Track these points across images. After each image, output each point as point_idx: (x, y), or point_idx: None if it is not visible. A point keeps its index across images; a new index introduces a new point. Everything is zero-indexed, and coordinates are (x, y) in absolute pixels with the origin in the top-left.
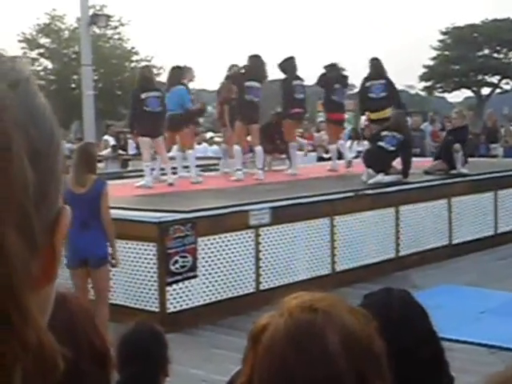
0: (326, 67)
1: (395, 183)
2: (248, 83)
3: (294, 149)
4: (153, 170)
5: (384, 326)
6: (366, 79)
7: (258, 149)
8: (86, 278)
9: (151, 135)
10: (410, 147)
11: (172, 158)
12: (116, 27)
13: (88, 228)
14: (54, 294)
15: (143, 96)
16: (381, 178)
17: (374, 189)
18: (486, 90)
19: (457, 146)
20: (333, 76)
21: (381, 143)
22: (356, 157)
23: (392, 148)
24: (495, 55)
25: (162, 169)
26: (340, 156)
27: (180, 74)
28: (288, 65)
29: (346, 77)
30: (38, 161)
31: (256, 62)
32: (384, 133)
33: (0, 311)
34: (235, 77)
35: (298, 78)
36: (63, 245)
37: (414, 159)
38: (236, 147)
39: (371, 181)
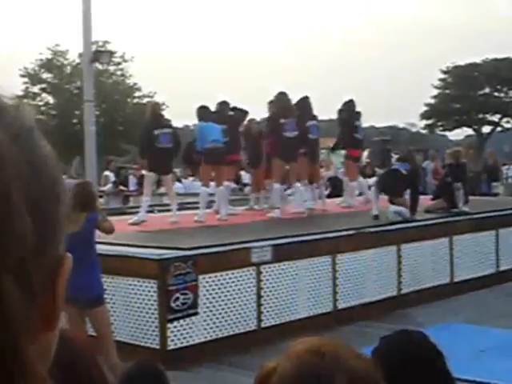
0: (345, 104)
1: (399, 221)
2: (283, 120)
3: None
4: (150, 206)
5: (401, 369)
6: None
7: (297, 185)
8: (81, 314)
9: (160, 172)
10: (417, 181)
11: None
12: (119, 63)
13: (82, 267)
14: (57, 339)
15: (156, 132)
16: (396, 208)
17: (375, 227)
18: (486, 129)
19: (457, 184)
20: (353, 113)
21: (395, 166)
22: (359, 194)
23: (405, 172)
24: (496, 94)
25: (167, 204)
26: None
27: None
28: (303, 104)
29: (359, 113)
30: (38, 212)
31: (285, 99)
32: (395, 163)
33: None
34: (270, 115)
35: (314, 118)
36: (64, 293)
37: (425, 197)
38: (275, 185)
39: (390, 214)
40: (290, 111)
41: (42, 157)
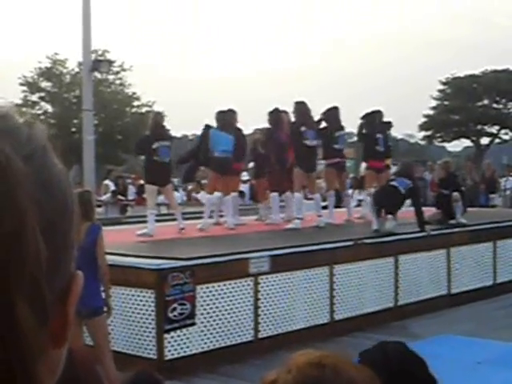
0: (366, 116)
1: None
2: (303, 128)
3: (332, 197)
4: (157, 215)
5: (385, 381)
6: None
7: (316, 196)
8: (80, 324)
9: (159, 184)
10: (418, 195)
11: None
12: (117, 72)
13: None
14: (65, 355)
15: (155, 145)
16: (394, 222)
17: (373, 238)
18: (485, 140)
19: (456, 195)
20: (375, 126)
21: (393, 183)
22: (357, 205)
23: (403, 190)
24: (494, 105)
25: (171, 214)
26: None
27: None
28: (331, 114)
29: (385, 123)
30: (52, 232)
31: (304, 108)
32: (393, 177)
33: (9, 382)
34: (291, 124)
35: (342, 129)
36: (74, 309)
37: (424, 208)
38: (297, 194)
39: (388, 227)
40: (309, 119)
41: (55, 176)
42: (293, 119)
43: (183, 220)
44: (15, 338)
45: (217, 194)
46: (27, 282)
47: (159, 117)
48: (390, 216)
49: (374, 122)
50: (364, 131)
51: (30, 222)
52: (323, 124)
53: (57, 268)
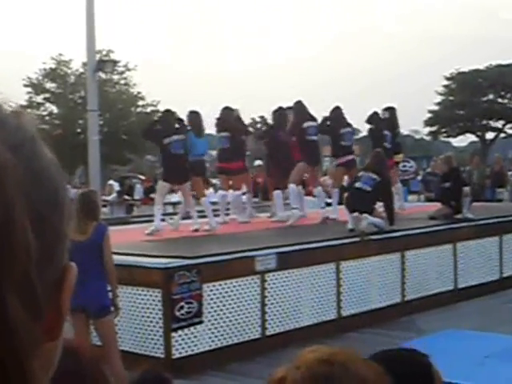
0: (373, 114)
1: (383, 230)
2: (305, 124)
3: (336, 194)
4: (164, 214)
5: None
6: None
7: (319, 189)
8: (87, 323)
9: (174, 182)
10: (388, 190)
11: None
12: (122, 72)
13: (89, 277)
14: (61, 347)
15: (166, 141)
16: (371, 219)
17: (379, 234)
18: (490, 135)
19: (466, 189)
20: (381, 124)
21: (357, 184)
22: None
23: (369, 188)
24: (499, 100)
25: (187, 212)
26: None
27: (199, 118)
28: (335, 114)
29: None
30: (42, 224)
31: (302, 107)
32: (361, 173)
33: (1, 378)
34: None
35: (348, 125)
36: (69, 302)
37: (430, 204)
38: (292, 186)
39: (364, 225)
40: (309, 116)
41: (44, 166)
42: (293, 119)
43: (198, 219)
44: (6, 333)
45: (221, 192)
46: (17, 275)
47: (168, 114)
48: (364, 215)
49: (380, 120)
50: (371, 129)
51: (19, 215)
52: (328, 123)
53: (49, 260)
